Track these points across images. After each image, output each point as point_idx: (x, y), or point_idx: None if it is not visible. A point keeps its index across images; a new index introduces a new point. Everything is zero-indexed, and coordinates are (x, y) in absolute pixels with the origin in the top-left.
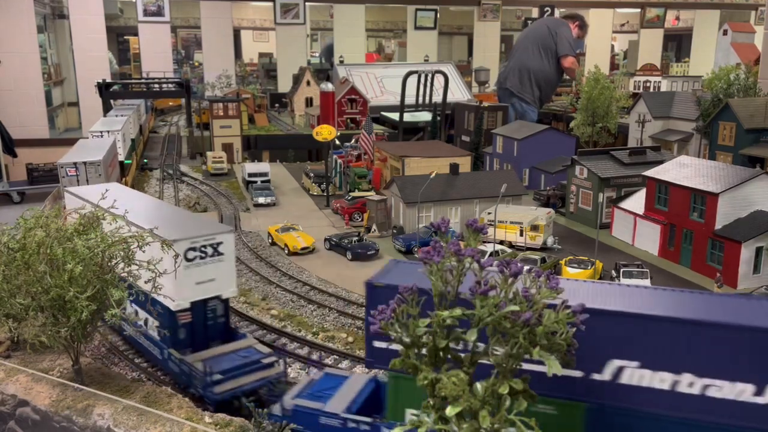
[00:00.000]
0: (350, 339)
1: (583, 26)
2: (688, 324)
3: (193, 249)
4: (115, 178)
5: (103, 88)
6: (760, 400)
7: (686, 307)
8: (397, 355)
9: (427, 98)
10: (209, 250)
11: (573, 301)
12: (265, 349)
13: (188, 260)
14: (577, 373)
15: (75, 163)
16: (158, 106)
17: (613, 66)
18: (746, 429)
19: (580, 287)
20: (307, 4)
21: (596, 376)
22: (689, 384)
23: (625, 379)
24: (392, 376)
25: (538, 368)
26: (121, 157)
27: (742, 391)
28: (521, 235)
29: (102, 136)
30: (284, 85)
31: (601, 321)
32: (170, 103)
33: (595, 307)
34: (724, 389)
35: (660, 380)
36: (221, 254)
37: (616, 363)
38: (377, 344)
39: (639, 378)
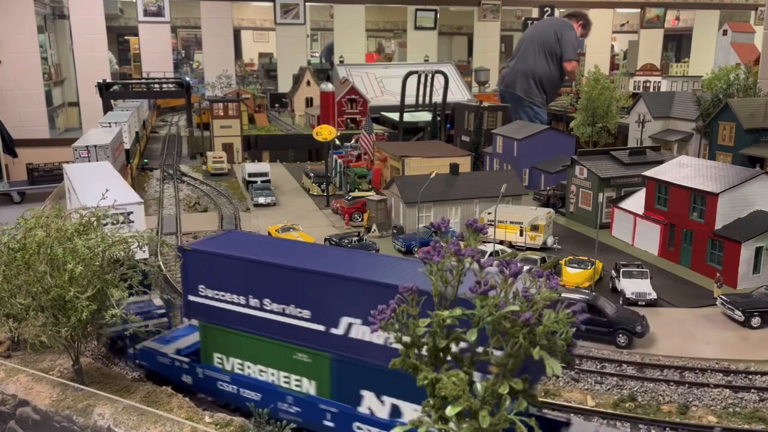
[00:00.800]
0: None
1: (586, 24)
2: (391, 288)
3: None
4: (120, 162)
5: (104, 88)
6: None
7: (388, 272)
8: (208, 309)
9: (427, 98)
10: (120, 218)
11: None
12: (160, 303)
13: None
14: (321, 328)
15: (87, 146)
16: (163, 105)
17: (613, 66)
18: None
19: (311, 248)
20: (307, 4)
21: (334, 331)
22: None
23: (354, 333)
24: (202, 325)
25: (296, 321)
26: (126, 146)
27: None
28: (521, 235)
29: (110, 126)
30: (284, 85)
31: (332, 282)
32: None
33: (326, 270)
34: None
35: (376, 336)
36: (132, 222)
37: (346, 320)
38: (192, 298)
39: (362, 333)
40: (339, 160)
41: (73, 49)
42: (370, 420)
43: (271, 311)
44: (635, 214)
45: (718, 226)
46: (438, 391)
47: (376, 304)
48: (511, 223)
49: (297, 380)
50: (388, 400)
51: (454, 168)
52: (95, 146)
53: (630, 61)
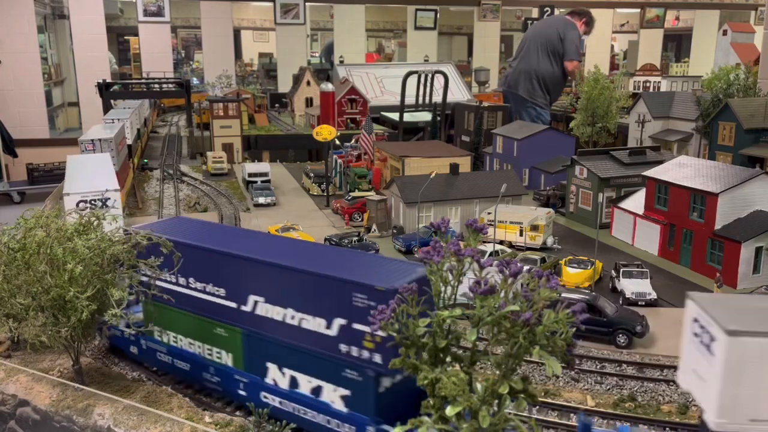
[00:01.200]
0: None
1: (590, 22)
2: (286, 269)
3: (84, 201)
4: (123, 156)
5: (104, 88)
6: (330, 332)
7: (289, 255)
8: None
9: (427, 98)
10: (98, 203)
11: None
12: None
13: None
14: (233, 305)
15: (92, 140)
16: (168, 104)
17: (613, 66)
18: (325, 355)
19: (237, 233)
20: (307, 4)
21: (243, 308)
22: (292, 317)
23: (259, 310)
24: (143, 301)
25: (215, 299)
26: (129, 141)
27: (320, 324)
28: (521, 235)
29: (113, 122)
30: (284, 85)
31: (241, 263)
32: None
33: (237, 252)
34: (311, 322)
35: (276, 313)
36: (109, 207)
37: (253, 298)
38: None
39: (266, 310)
40: (339, 160)
41: (73, 49)
42: (274, 390)
43: (195, 289)
44: (635, 214)
45: (718, 226)
46: (438, 391)
47: (276, 284)
48: (511, 223)
49: (218, 352)
50: (288, 372)
51: (454, 168)
52: (100, 140)
53: (630, 61)
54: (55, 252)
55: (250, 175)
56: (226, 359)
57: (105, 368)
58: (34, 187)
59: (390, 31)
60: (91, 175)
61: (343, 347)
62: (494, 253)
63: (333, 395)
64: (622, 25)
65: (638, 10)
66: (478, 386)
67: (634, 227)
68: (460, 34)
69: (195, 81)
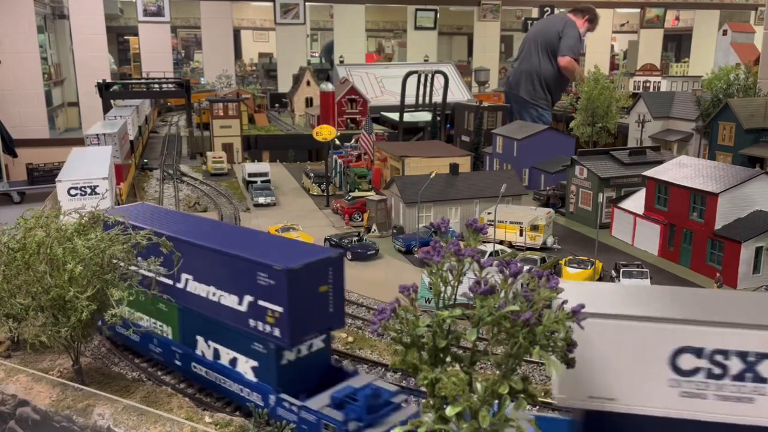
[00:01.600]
0: (350, 339)
1: (593, 19)
2: (208, 250)
3: (75, 188)
4: (126, 150)
5: (103, 88)
6: (241, 308)
7: (214, 237)
8: None
9: (427, 98)
10: (87, 190)
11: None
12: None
13: (71, 195)
14: (170, 282)
15: (97, 134)
16: (174, 103)
17: (613, 66)
18: (238, 329)
19: (173, 216)
20: (307, 4)
21: (178, 285)
22: (213, 294)
23: (189, 287)
24: None
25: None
26: (131, 137)
27: (234, 301)
28: (521, 235)
29: (116, 118)
30: (284, 85)
31: (175, 244)
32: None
33: (171, 234)
34: (227, 299)
35: (202, 290)
36: (97, 194)
37: (185, 276)
38: None
39: (194, 287)
40: (339, 160)
41: (72, 49)
42: (202, 361)
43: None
44: (635, 214)
45: (718, 226)
46: (438, 391)
47: (201, 263)
48: (511, 223)
49: (161, 326)
50: (212, 345)
51: (454, 168)
52: (104, 134)
53: (630, 61)
54: (55, 252)
55: (250, 175)
56: (167, 332)
57: (105, 368)
58: (34, 187)
59: (390, 31)
60: (86, 165)
61: (252, 322)
62: (494, 253)
63: (245, 366)
64: (622, 25)
65: (638, 10)
66: (478, 386)
67: (634, 227)
68: (460, 34)
69: (203, 80)
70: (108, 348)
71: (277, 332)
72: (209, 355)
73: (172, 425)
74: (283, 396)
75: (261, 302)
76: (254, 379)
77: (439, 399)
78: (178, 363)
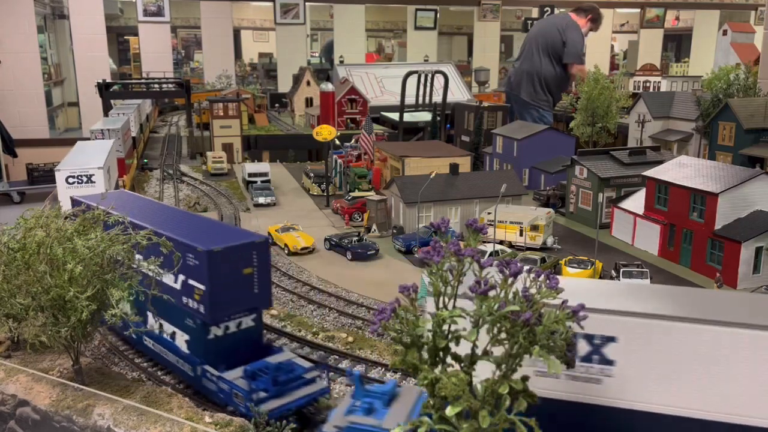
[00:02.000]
0: (350, 339)
1: (596, 19)
2: (155, 233)
3: (72, 176)
4: (128, 145)
5: (103, 88)
6: (176, 286)
7: (160, 221)
8: None
9: (427, 98)
10: (84, 179)
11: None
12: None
13: (69, 183)
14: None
15: (101, 130)
16: (180, 102)
17: (613, 66)
18: (176, 305)
19: (140, 202)
20: (307, 4)
21: (133, 264)
22: (158, 273)
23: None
24: None
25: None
26: (133, 133)
27: (171, 279)
28: (521, 235)
29: (119, 115)
30: (284, 85)
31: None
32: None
33: (136, 221)
34: (168, 277)
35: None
36: (93, 183)
37: (137, 256)
38: None
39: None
40: (339, 160)
41: (72, 49)
42: (150, 335)
43: None
44: (635, 214)
45: (718, 226)
46: (438, 391)
47: (155, 249)
48: (511, 223)
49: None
50: (158, 320)
51: (454, 168)
52: (109, 130)
53: (630, 61)
54: (55, 252)
55: (250, 175)
56: (126, 308)
57: (105, 368)
58: (34, 187)
59: (390, 31)
60: (85, 156)
61: (184, 299)
62: (494, 253)
63: (181, 340)
64: (622, 25)
65: (638, 10)
66: (478, 386)
67: (634, 227)
68: (460, 34)
69: (206, 82)
70: (108, 348)
71: (201, 309)
72: (156, 330)
73: (172, 425)
74: (206, 367)
75: (190, 281)
76: (187, 351)
77: (439, 399)
78: (133, 336)
